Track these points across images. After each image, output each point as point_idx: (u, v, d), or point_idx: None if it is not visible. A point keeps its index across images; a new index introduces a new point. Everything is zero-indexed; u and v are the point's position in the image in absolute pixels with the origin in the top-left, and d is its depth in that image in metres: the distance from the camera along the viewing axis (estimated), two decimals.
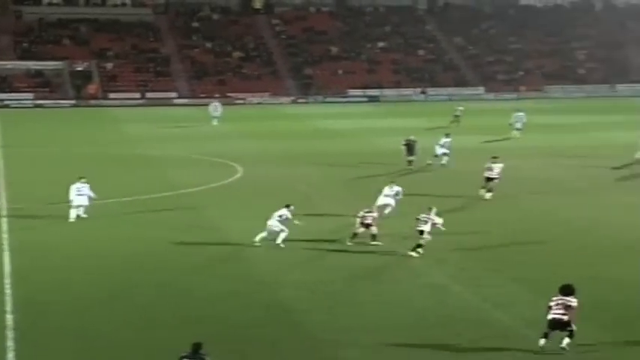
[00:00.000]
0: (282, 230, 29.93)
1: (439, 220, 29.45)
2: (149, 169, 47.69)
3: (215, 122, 69.25)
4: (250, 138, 61.24)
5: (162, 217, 35.34)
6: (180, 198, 39.41)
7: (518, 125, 59.65)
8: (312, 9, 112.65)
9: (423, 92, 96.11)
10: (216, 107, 71.09)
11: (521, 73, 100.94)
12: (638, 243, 30.23)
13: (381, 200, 33.88)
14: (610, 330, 22.01)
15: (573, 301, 20.51)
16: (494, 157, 38.79)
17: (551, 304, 20.62)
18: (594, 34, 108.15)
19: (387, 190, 34.41)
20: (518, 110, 61.30)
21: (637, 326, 22.25)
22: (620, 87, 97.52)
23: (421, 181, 43.01)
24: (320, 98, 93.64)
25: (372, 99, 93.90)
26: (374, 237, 30.19)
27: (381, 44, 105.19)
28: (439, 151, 46.90)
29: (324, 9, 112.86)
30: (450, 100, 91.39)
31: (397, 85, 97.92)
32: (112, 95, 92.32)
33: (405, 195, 34.88)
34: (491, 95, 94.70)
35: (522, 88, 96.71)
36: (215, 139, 60.71)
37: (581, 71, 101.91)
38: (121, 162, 50.45)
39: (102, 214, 34.77)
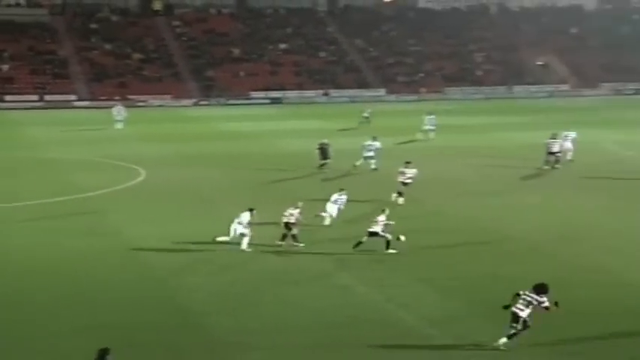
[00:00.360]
0: (243, 235, 29.61)
1: (390, 222, 29.70)
2: (50, 173, 46.74)
3: (119, 125, 68.28)
4: (152, 141, 60.57)
5: (62, 222, 34.62)
6: (82, 202, 38.70)
7: (430, 127, 60.36)
8: (212, 11, 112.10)
9: (325, 94, 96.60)
10: (119, 110, 70.14)
11: (421, 75, 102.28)
12: (541, 243, 30.85)
13: (330, 207, 33.37)
14: (508, 328, 22.23)
15: (542, 299, 20.66)
16: (408, 162, 39.05)
17: (520, 298, 20.81)
18: (490, 37, 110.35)
19: (335, 197, 33.95)
20: (430, 113, 62.07)
21: (534, 325, 22.60)
22: (517, 88, 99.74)
23: (340, 184, 42.54)
24: (222, 100, 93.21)
25: (275, 101, 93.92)
26: (294, 237, 30.26)
27: (282, 46, 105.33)
28: (367, 154, 46.37)
29: (225, 11, 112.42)
30: (353, 101, 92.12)
31: (299, 86, 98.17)
32: (8, 98, 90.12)
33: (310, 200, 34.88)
34: (392, 97, 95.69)
35: (423, 89, 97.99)
36: (117, 141, 59.89)
37: (479, 73, 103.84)
38: (21, 165, 49.30)
39: None
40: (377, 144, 46.77)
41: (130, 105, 79.53)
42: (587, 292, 25.08)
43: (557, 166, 46.79)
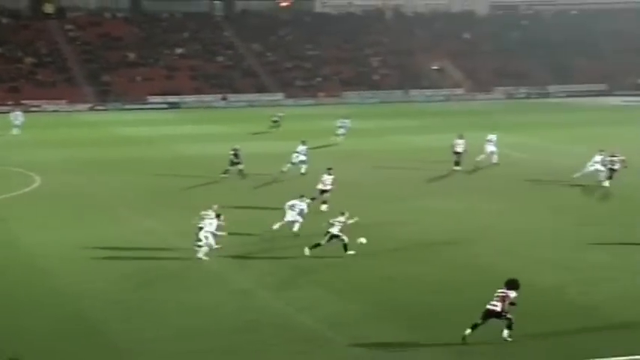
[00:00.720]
0: (206, 244, 29.14)
1: (349, 221, 29.68)
2: None
3: (16, 131, 66.81)
4: (47, 146, 59.43)
5: None
6: None
7: (342, 131, 60.68)
8: (106, 14, 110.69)
9: (223, 98, 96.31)
10: (17, 116, 68.82)
11: (319, 79, 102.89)
12: (438, 245, 31.26)
13: (289, 216, 32.41)
14: (406, 329, 22.65)
15: (511, 294, 21.28)
16: (329, 169, 38.73)
17: (494, 295, 21.37)
18: (386, 42, 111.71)
19: (293, 202, 32.85)
20: (344, 117, 62.48)
21: (432, 325, 23.03)
22: (413, 92, 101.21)
23: (258, 191, 42.54)
24: (119, 105, 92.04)
25: (173, 105, 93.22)
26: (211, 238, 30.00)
27: (179, 50, 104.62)
28: (297, 158, 45.93)
29: (119, 14, 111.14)
30: (251, 106, 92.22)
31: (197, 91, 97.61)
32: None
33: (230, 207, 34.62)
34: (290, 101, 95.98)
35: (321, 94, 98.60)
36: (11, 147, 58.65)
37: (376, 77, 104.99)
38: None
39: None
40: (304, 148, 46.37)
41: (23, 110, 77.73)
42: (483, 294, 25.55)
43: (456, 167, 47.59)
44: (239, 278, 27.41)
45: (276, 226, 32.21)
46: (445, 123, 70.91)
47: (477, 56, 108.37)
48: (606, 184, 42.51)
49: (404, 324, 22.93)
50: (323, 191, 37.33)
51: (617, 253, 29.79)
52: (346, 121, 61.57)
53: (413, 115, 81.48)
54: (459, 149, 48.01)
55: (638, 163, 45.78)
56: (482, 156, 49.58)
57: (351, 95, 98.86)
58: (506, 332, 21.35)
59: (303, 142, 47.00)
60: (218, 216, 29.73)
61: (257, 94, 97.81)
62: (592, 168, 43.10)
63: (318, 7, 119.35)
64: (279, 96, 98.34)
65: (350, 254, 29.24)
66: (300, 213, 32.07)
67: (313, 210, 34.19)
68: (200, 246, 28.94)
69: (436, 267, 28.41)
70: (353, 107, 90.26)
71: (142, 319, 23.54)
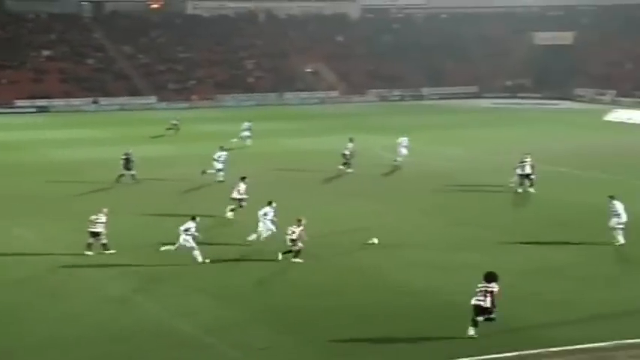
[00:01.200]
0: (192, 247, 28.75)
1: (299, 229, 29.49)
2: None
3: None
4: None
5: None
6: None
7: (247, 133, 60.29)
8: None
9: (94, 102, 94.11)
10: None
11: (192, 82, 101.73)
12: (313, 248, 30.92)
13: (262, 224, 31.71)
14: (285, 333, 22.50)
15: (494, 287, 21.69)
16: (243, 178, 37.83)
17: (476, 290, 21.78)
18: (260, 44, 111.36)
19: (267, 210, 31.98)
20: (247, 120, 62.10)
21: (309, 328, 22.90)
22: (288, 95, 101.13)
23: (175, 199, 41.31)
24: None
25: (41, 109, 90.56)
26: (104, 246, 29.78)
27: (46, 53, 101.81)
28: (217, 165, 44.71)
29: None
30: (123, 109, 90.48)
31: (67, 94, 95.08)
32: None
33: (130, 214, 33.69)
34: (163, 104, 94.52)
35: (194, 97, 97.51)
36: None
37: (250, 80, 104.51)
38: None
39: None
40: (224, 154, 45.41)
41: None
42: (360, 296, 25.57)
43: (340, 166, 47.72)
44: (116, 285, 26.78)
45: (251, 238, 31.75)
46: (321, 125, 71.02)
47: (350, 59, 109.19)
48: (518, 190, 41.63)
49: (282, 328, 22.88)
50: (238, 199, 36.62)
51: (491, 254, 30.15)
52: (249, 124, 61.40)
53: (288, 118, 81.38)
54: (346, 151, 48.26)
55: (501, 163, 46.86)
56: (399, 159, 50.10)
57: (226, 98, 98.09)
58: (471, 330, 21.70)
59: (222, 148, 46.04)
60: (193, 218, 29.43)
61: (129, 98, 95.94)
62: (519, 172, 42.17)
63: (189, 9, 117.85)
64: (152, 99, 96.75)
65: (297, 261, 29.12)
66: (272, 221, 31.69)
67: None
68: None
69: (312, 271, 28.29)
70: (228, 110, 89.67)
71: (14, 329, 22.62)
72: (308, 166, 49.97)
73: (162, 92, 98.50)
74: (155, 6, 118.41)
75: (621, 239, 31.35)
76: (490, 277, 22.05)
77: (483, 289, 21.84)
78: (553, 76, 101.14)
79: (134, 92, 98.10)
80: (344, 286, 26.58)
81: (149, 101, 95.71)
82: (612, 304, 24.76)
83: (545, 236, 32.85)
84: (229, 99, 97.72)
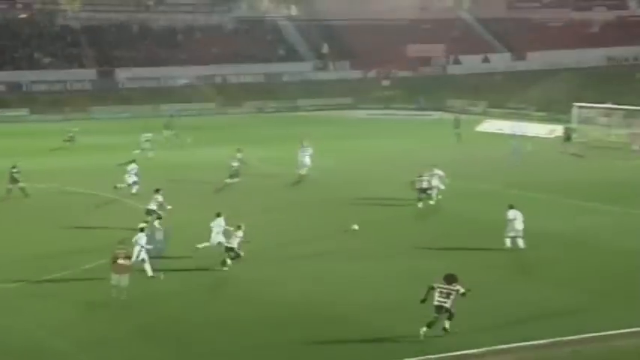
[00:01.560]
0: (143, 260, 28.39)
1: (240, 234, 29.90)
2: None
3: None
4: None
5: None
6: None
7: (148, 145, 59.38)
8: None
9: None
10: None
11: (66, 94, 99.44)
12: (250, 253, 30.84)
13: (215, 238, 31.15)
14: (155, 349, 22.51)
15: (459, 288, 22.51)
16: (157, 190, 37.33)
17: (435, 291, 22.50)
18: (134, 56, 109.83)
19: (220, 222, 31.59)
20: (147, 131, 61.48)
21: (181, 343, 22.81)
22: (164, 107, 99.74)
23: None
24: None
25: None
26: None
27: None
28: (130, 179, 44.07)
29: None
30: None
31: None
32: None
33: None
34: (35, 117, 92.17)
35: (67, 108, 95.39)
36: None
37: (124, 92, 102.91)
38: None
39: None
40: (135, 167, 44.79)
41: None
42: (227, 309, 25.63)
43: (227, 179, 47.42)
44: None
45: (200, 246, 31.39)
46: (200, 137, 70.34)
47: None
48: (419, 205, 41.74)
49: (155, 343, 22.50)
50: (153, 210, 36.57)
51: (367, 264, 30.56)
52: (149, 135, 60.75)
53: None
54: (234, 163, 48.16)
55: (377, 173, 47.61)
56: (304, 169, 50.32)
57: (100, 110, 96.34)
58: (447, 323, 22.51)
59: (133, 161, 45.61)
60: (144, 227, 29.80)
61: None
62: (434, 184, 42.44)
63: (60, 20, 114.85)
64: (24, 111, 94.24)
65: (225, 270, 29.56)
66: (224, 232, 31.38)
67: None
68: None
69: (195, 281, 28.05)
70: (104, 122, 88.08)
71: None
72: (192, 177, 49.71)
73: (33, 105, 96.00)
74: (23, 16, 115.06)
75: (521, 244, 32.60)
76: (451, 279, 22.82)
77: (445, 290, 22.51)
78: (426, 87, 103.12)
79: (3, 105, 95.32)
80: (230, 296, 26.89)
81: (20, 114, 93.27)
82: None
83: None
84: (104, 111, 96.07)
